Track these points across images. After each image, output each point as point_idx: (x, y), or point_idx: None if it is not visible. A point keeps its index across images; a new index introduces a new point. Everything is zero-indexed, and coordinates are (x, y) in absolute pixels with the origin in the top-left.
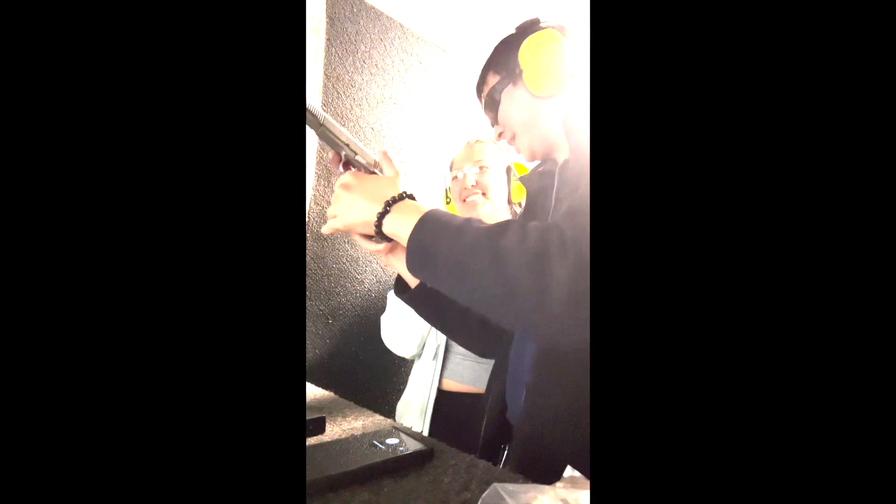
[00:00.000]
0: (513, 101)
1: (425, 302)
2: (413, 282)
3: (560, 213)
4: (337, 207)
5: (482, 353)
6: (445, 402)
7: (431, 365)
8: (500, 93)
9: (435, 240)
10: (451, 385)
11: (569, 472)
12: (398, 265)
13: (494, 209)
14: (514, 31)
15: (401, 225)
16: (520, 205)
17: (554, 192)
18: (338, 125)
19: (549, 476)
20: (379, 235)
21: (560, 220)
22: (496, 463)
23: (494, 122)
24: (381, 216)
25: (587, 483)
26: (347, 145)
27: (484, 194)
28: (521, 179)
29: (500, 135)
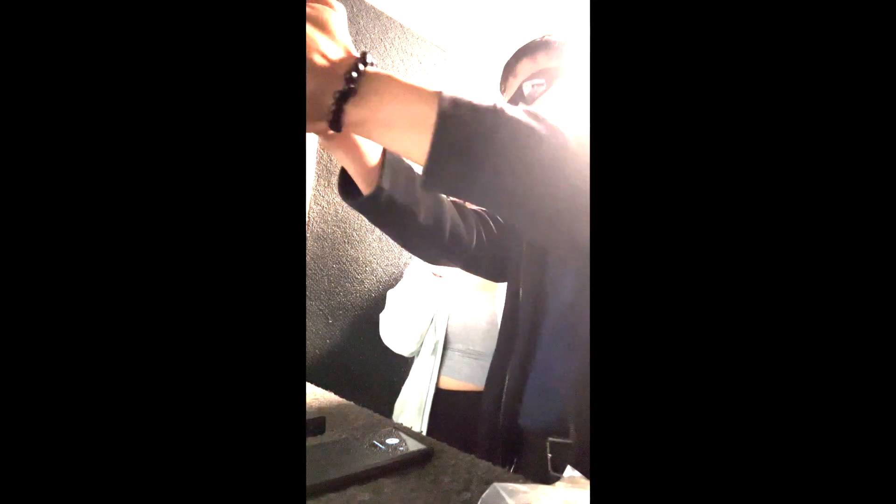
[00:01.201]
0: (565, 93)
1: (381, 212)
2: (366, 185)
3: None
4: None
5: (443, 263)
6: (443, 400)
7: (430, 360)
8: (553, 79)
9: (470, 142)
10: (449, 383)
11: (569, 472)
12: (346, 159)
13: None
14: (564, 40)
15: (382, 115)
16: None
17: None
18: None
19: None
20: (333, 125)
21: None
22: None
23: (525, 102)
24: (341, 100)
25: (587, 483)
26: None
27: None
28: None
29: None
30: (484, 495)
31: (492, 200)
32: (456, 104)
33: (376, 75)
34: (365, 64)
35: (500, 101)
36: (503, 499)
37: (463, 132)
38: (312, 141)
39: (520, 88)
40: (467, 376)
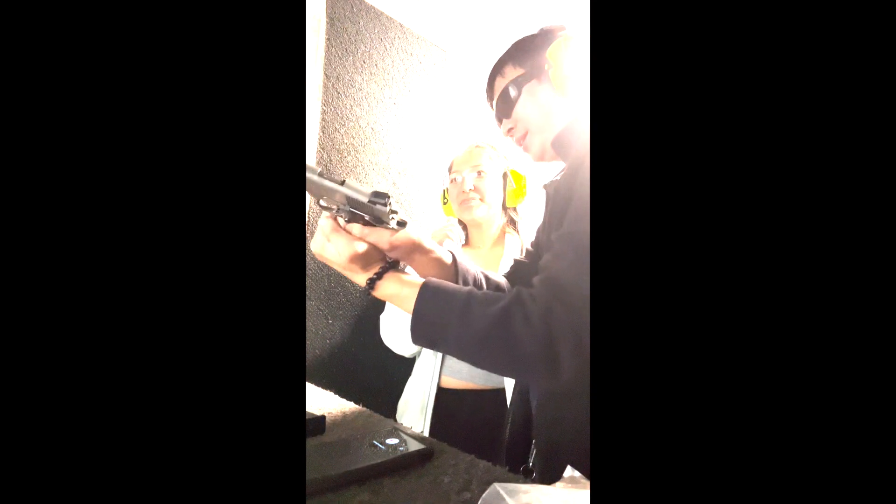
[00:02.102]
0: (535, 96)
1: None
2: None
3: (545, 266)
4: (324, 248)
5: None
6: (445, 399)
7: (432, 360)
8: (522, 86)
9: (441, 319)
10: (449, 382)
11: (569, 472)
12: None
13: (490, 212)
14: (537, 32)
15: (396, 292)
16: (514, 210)
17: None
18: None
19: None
20: (368, 288)
21: (544, 285)
22: (525, 464)
23: (507, 115)
24: (373, 282)
25: (587, 483)
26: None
27: (481, 199)
28: (544, 185)
29: (509, 130)
30: (484, 495)
31: (457, 354)
32: (433, 290)
33: (390, 275)
34: (390, 269)
35: (472, 290)
36: (503, 499)
37: (432, 310)
38: (312, 141)
39: (507, 87)
40: (468, 375)
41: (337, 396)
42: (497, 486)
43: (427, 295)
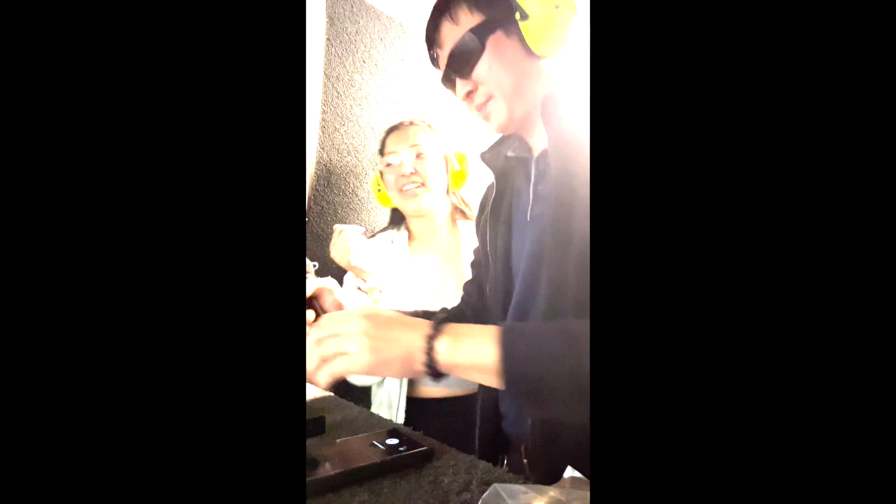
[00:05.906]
0: (503, 53)
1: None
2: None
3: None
4: (349, 346)
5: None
6: (422, 408)
7: (397, 389)
8: (485, 39)
9: (536, 365)
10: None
11: (569, 472)
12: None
13: (435, 199)
14: None
15: (464, 350)
16: (457, 195)
17: (531, 186)
18: None
19: (550, 477)
20: (430, 369)
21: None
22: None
23: (464, 75)
24: (431, 339)
25: (587, 483)
26: None
27: (423, 184)
28: (483, 156)
29: (467, 94)
30: (484, 496)
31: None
32: (516, 337)
33: (453, 325)
34: (447, 320)
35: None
36: (503, 499)
37: (524, 359)
38: (312, 141)
39: (466, 39)
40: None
41: (337, 396)
42: (497, 486)
43: (516, 343)
